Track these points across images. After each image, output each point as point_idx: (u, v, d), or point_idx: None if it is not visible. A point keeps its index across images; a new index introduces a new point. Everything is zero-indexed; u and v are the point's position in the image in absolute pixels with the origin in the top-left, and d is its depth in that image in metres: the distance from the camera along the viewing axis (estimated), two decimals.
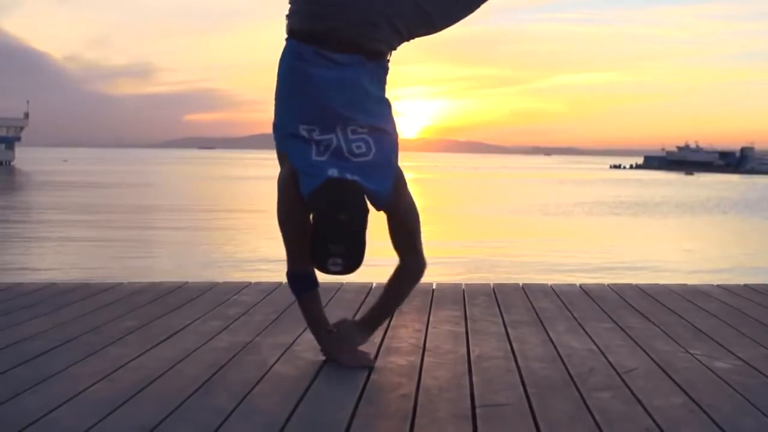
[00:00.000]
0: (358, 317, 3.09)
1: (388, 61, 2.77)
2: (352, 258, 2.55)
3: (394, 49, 2.76)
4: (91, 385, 2.60)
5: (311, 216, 2.63)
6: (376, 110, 2.72)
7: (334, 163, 2.63)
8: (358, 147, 2.65)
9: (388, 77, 2.80)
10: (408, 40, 2.76)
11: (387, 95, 2.81)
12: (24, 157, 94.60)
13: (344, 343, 2.90)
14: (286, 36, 2.73)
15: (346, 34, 2.61)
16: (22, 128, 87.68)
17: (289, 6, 2.72)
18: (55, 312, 3.81)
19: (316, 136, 2.65)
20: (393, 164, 2.73)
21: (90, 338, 3.28)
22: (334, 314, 3.77)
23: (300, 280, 2.85)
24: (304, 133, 2.66)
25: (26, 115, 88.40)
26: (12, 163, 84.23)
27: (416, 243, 2.86)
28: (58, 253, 15.92)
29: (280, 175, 2.77)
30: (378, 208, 2.71)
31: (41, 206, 29.16)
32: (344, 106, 2.64)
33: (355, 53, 2.63)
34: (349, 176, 2.61)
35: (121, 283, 4.68)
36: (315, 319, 2.95)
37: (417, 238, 2.86)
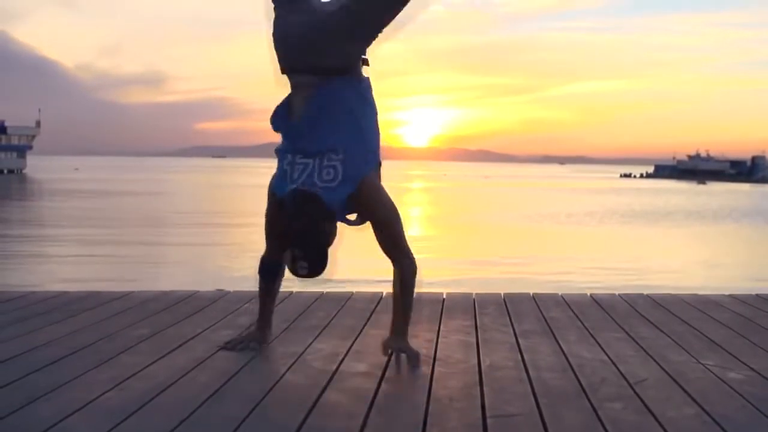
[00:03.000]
0: (390, 331, 3.18)
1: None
2: (314, 262, 2.86)
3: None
4: (104, 393, 2.61)
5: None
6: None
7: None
8: (327, 173, 2.97)
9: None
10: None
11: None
12: (35, 165, 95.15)
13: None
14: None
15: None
16: (33, 137, 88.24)
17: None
18: (68, 320, 3.83)
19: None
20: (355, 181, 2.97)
21: (102, 346, 3.29)
22: (343, 324, 3.78)
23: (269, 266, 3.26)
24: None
25: (38, 123, 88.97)
26: (24, 172, 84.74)
27: (401, 245, 3.07)
28: (70, 262, 15.98)
29: None
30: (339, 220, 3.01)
31: (52, 215, 29.30)
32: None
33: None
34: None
35: (132, 292, 4.71)
36: (265, 305, 3.34)
37: (401, 240, 3.07)
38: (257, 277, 3.32)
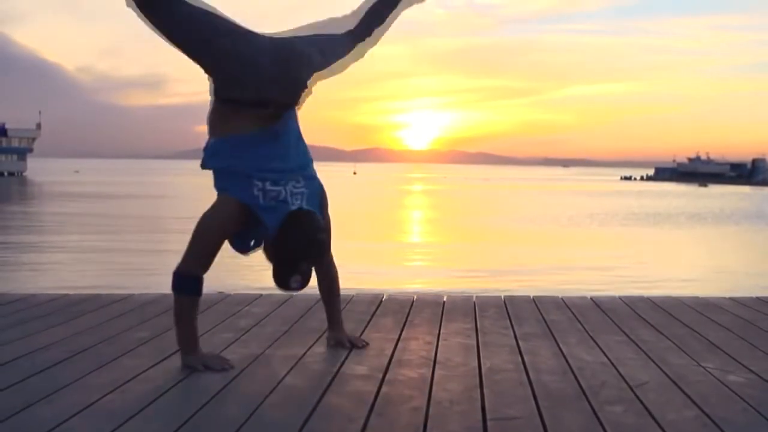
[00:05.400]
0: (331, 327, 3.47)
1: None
2: (309, 274, 3.04)
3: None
4: (104, 396, 2.61)
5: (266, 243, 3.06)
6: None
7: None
8: (295, 200, 3.05)
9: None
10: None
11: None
12: (36, 168, 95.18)
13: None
14: None
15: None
16: (34, 139, 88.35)
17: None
18: (68, 322, 3.83)
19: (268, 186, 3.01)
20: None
21: (102, 349, 3.29)
22: (345, 326, 3.77)
23: (198, 282, 3.04)
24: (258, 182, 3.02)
25: (38, 126, 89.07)
26: (24, 174, 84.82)
27: (330, 250, 3.29)
28: (70, 265, 15.98)
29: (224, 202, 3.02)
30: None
31: (53, 218, 29.30)
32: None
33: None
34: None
35: (132, 295, 4.70)
36: (192, 324, 3.08)
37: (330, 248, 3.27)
38: (186, 298, 3.07)
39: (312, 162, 3.24)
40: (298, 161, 3.14)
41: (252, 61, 3.03)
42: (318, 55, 3.18)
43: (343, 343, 3.37)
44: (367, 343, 3.41)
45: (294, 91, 3.14)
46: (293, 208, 3.00)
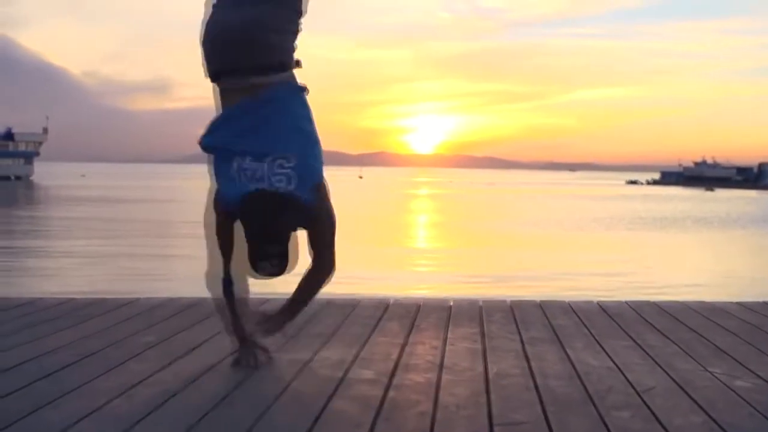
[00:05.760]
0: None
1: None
2: (286, 259, 2.97)
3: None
4: (111, 400, 2.62)
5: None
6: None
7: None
8: (279, 180, 2.95)
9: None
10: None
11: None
12: (42, 172, 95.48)
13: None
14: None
15: None
16: (41, 143, 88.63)
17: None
18: (76, 327, 3.84)
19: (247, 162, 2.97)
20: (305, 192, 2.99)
21: (110, 353, 3.30)
22: (350, 331, 3.78)
23: (221, 282, 3.16)
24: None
25: (45, 130, 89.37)
26: (31, 178, 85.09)
27: (332, 249, 3.12)
28: (78, 269, 16.01)
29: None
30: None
31: (60, 222, 29.37)
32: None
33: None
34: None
35: (139, 299, 4.72)
36: (228, 320, 3.20)
37: (333, 246, 3.12)
38: (220, 299, 3.19)
39: (319, 153, 3.12)
40: (294, 142, 3.02)
41: (207, 35, 3.07)
42: (271, 13, 3.05)
43: (254, 343, 3.20)
44: (266, 360, 3.17)
45: (250, 54, 3.00)
46: (251, 188, 2.91)
